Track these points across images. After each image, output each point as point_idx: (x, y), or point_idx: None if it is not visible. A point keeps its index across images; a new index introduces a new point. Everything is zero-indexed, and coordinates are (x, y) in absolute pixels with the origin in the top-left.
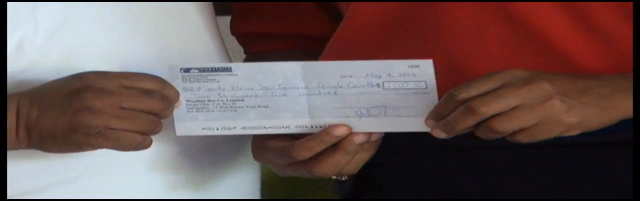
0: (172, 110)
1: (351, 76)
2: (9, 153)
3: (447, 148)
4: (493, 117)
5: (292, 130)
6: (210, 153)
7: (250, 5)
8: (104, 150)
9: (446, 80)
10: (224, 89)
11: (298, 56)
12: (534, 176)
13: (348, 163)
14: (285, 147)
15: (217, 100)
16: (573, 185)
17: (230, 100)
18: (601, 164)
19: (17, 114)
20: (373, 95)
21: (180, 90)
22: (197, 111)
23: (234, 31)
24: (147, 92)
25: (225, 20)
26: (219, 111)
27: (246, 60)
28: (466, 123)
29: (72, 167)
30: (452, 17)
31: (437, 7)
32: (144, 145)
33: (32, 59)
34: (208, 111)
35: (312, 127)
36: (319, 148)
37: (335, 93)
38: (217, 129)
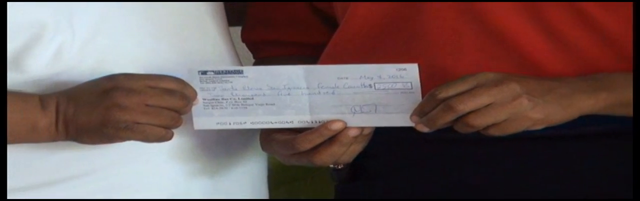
0: (191, 107)
1: (347, 78)
2: (45, 144)
3: (429, 140)
4: (469, 113)
5: (295, 124)
6: (224, 145)
7: (259, 17)
8: (131, 142)
9: (428, 82)
10: (236, 89)
11: (300, 60)
12: (505, 165)
13: (343, 154)
14: (289, 139)
15: (230, 99)
16: (541, 173)
17: (242, 99)
18: (565, 155)
19: (57, 111)
20: (366, 94)
21: (198, 90)
22: (212, 108)
23: (244, 39)
24: (169, 92)
25: (237, 30)
26: (232, 108)
27: (255, 64)
28: (446, 119)
29: (103, 157)
30: (432, 27)
31: (420, 18)
32: (166, 137)
33: (69, 64)
34: (222, 108)
35: (312, 122)
36: (318, 141)
37: (333, 93)
38: (230, 124)
